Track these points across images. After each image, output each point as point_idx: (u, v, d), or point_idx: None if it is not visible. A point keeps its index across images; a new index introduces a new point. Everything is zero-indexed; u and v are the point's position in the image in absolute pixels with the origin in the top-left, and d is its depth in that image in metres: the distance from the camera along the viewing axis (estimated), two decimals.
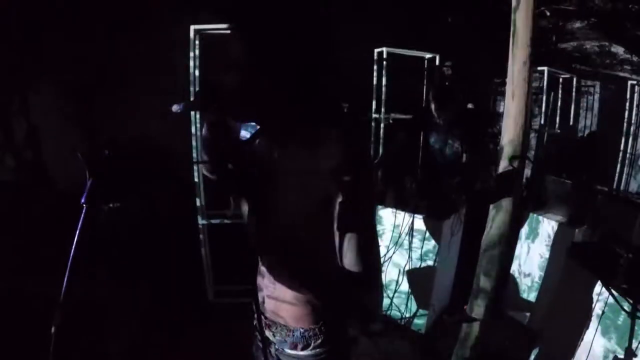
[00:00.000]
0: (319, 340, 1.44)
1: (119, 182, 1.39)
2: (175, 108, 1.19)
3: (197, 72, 3.73)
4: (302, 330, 1.44)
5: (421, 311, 3.94)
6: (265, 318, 1.52)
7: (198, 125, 3.68)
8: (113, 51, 4.38)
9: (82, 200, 1.27)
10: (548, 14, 4.45)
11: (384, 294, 4.08)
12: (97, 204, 1.33)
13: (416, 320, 3.96)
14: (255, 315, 1.58)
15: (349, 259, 1.21)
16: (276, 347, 1.52)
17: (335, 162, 1.19)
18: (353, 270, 1.21)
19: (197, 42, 3.76)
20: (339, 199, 1.19)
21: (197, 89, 3.68)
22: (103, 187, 1.31)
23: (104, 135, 4.18)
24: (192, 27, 3.75)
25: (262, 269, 1.51)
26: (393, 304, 4.04)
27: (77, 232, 1.29)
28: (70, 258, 1.33)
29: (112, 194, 1.40)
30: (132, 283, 3.71)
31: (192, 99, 3.28)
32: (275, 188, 1.29)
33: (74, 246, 1.31)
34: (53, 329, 1.39)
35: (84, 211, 1.27)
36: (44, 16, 4.16)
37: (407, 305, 3.97)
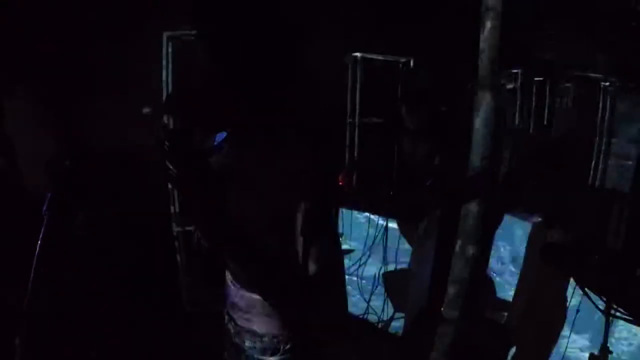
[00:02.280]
0: (288, 346, 1.43)
1: (84, 192, 1.38)
2: (145, 110, 1.18)
3: (169, 78, 3.71)
4: (270, 336, 1.43)
5: (398, 314, 3.95)
6: (236, 324, 1.52)
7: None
8: (87, 57, 4.33)
9: (44, 210, 1.25)
10: (518, 15, 4.49)
11: (363, 298, 4.09)
12: (62, 213, 1.31)
13: (393, 323, 3.97)
14: (226, 322, 1.58)
15: (310, 267, 1.22)
16: (247, 353, 1.51)
17: (300, 170, 1.20)
18: (313, 275, 1.21)
19: (169, 48, 3.74)
20: (301, 206, 1.19)
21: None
22: (67, 197, 1.29)
23: (75, 144, 4.12)
24: (165, 34, 3.73)
25: (229, 274, 1.50)
26: (370, 307, 4.06)
27: (39, 242, 1.27)
28: (33, 267, 1.32)
29: (77, 203, 1.39)
30: (105, 291, 3.66)
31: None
32: (239, 195, 1.29)
33: (36, 255, 1.30)
34: (17, 340, 1.37)
35: (45, 221, 1.25)
36: (18, 21, 4.11)
37: (383, 308, 3.99)
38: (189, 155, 0.99)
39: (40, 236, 1.27)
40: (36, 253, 1.29)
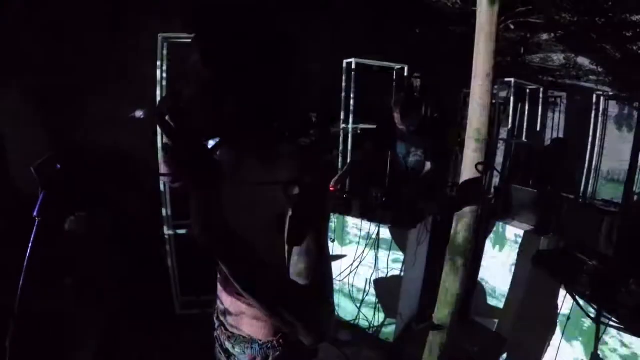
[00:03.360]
0: (278, 353, 1.42)
1: (74, 194, 1.36)
2: (138, 114, 1.17)
3: (164, 81, 3.70)
4: (260, 343, 1.42)
5: (389, 320, 3.95)
6: (226, 330, 1.51)
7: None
8: (80, 57, 4.31)
9: (35, 213, 1.24)
10: (512, 27, 4.51)
11: (354, 304, 4.09)
12: (52, 216, 1.30)
13: (384, 330, 3.97)
14: (216, 327, 1.57)
15: (297, 274, 1.20)
16: (236, 359, 1.51)
17: (290, 177, 1.19)
18: (302, 284, 1.20)
19: (164, 50, 3.72)
20: (290, 213, 1.19)
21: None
22: (57, 200, 1.28)
23: (68, 145, 4.10)
24: (160, 35, 3.71)
25: (220, 280, 1.50)
26: (361, 313, 4.05)
27: (30, 245, 1.26)
28: (24, 270, 1.30)
29: (68, 205, 1.39)
30: (97, 294, 3.64)
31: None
32: (231, 200, 1.29)
33: (26, 258, 1.29)
34: (8, 342, 1.36)
35: (36, 224, 1.24)
36: (9, 20, 4.08)
37: (374, 314, 3.98)
38: (190, 131, 0.98)
39: (31, 239, 1.25)
40: (27, 255, 1.28)
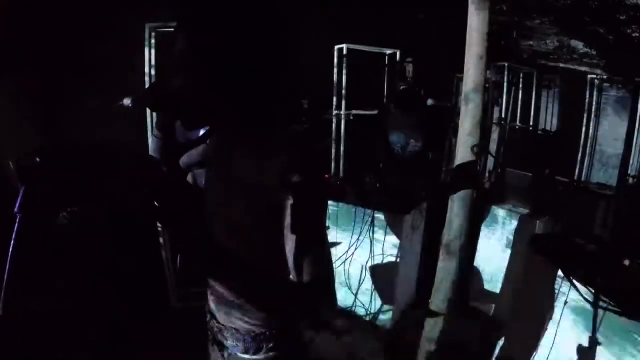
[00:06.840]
0: (271, 344, 1.41)
1: (59, 189, 1.33)
2: (126, 102, 1.15)
3: (152, 72, 3.66)
4: (253, 335, 1.41)
5: (386, 307, 3.95)
6: (218, 322, 1.49)
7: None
8: (66, 52, 4.26)
9: (15, 210, 1.20)
10: (505, 8, 4.47)
11: (350, 291, 4.08)
12: (36, 213, 1.27)
13: (381, 316, 3.97)
14: (208, 320, 1.55)
15: (299, 264, 1.18)
16: (229, 351, 1.49)
17: (286, 165, 1.16)
18: (304, 274, 1.18)
19: (152, 40, 3.68)
20: (290, 202, 1.16)
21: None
22: (39, 195, 1.24)
23: (50, 139, 4.05)
24: (148, 25, 3.67)
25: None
26: (357, 301, 4.05)
27: (12, 242, 1.23)
28: (6, 271, 1.27)
29: (55, 201, 1.35)
30: (91, 289, 3.62)
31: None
32: (224, 189, 1.26)
33: (9, 257, 1.25)
34: None
35: (17, 221, 1.20)
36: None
37: (371, 301, 3.98)
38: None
39: (13, 237, 1.22)
40: (10, 253, 1.25)
